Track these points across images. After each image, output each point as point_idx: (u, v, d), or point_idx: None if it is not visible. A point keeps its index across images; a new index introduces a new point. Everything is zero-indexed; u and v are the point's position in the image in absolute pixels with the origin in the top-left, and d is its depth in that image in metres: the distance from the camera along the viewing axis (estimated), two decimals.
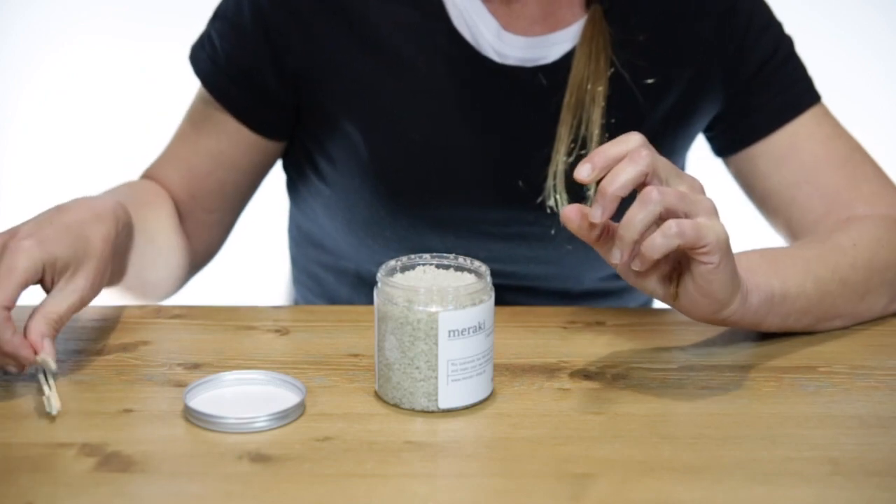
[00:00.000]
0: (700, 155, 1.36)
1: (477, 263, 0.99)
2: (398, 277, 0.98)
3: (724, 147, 1.31)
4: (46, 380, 0.99)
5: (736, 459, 0.90)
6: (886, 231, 1.19)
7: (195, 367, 1.05)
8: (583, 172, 0.94)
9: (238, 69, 1.25)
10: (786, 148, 1.27)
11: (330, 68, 1.24)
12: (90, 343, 1.09)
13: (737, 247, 1.02)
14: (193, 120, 1.28)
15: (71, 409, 0.97)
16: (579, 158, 1.22)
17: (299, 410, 0.96)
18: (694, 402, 0.98)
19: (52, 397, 0.96)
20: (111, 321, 1.15)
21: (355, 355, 1.07)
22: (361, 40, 1.24)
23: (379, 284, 0.97)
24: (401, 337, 0.95)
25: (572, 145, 1.23)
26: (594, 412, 0.97)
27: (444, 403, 0.96)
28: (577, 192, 1.24)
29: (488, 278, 0.98)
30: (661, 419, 0.96)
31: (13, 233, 1.01)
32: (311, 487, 0.86)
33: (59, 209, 1.04)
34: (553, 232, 1.27)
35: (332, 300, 1.37)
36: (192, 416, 0.95)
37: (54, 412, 0.95)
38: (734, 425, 0.95)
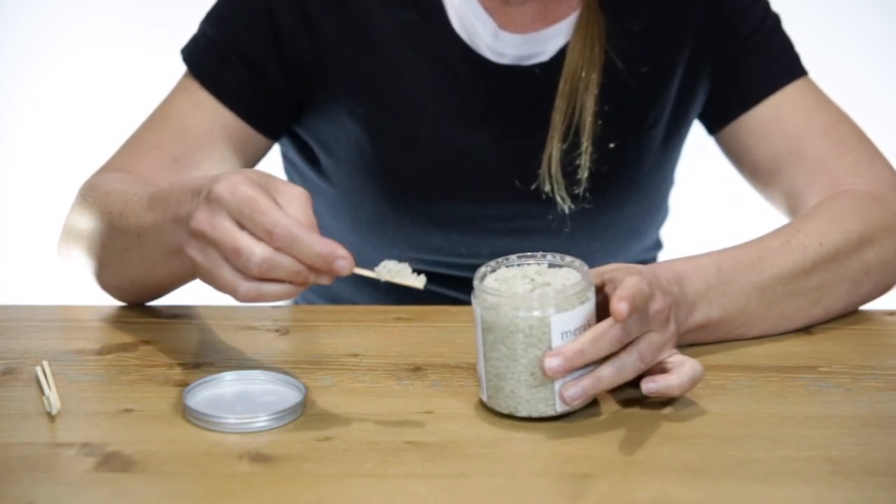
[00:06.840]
0: (698, 155, 1.36)
1: (569, 259, 0.97)
2: (498, 283, 0.95)
3: (712, 123, 1.31)
4: (46, 379, 0.99)
5: (736, 459, 0.90)
6: (861, 216, 1.15)
7: (195, 367, 1.05)
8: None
9: (238, 57, 1.24)
10: (769, 120, 1.26)
11: (334, 65, 1.24)
12: (90, 343, 1.09)
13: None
14: (177, 110, 1.24)
15: (71, 409, 0.96)
16: (573, 145, 1.23)
17: (299, 410, 0.96)
18: (694, 402, 0.98)
19: (52, 397, 0.96)
20: (111, 321, 1.15)
21: (355, 355, 1.07)
22: (365, 40, 1.24)
23: (477, 292, 0.94)
24: (511, 345, 0.92)
25: (566, 132, 1.23)
26: (594, 412, 0.97)
27: (562, 406, 0.94)
28: (571, 178, 1.24)
29: (588, 275, 0.95)
30: (662, 419, 0.96)
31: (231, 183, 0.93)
32: (311, 487, 0.86)
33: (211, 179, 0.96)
34: (554, 224, 1.27)
35: (334, 300, 1.37)
36: (192, 416, 0.95)
37: (54, 412, 0.95)
38: (734, 425, 0.95)
